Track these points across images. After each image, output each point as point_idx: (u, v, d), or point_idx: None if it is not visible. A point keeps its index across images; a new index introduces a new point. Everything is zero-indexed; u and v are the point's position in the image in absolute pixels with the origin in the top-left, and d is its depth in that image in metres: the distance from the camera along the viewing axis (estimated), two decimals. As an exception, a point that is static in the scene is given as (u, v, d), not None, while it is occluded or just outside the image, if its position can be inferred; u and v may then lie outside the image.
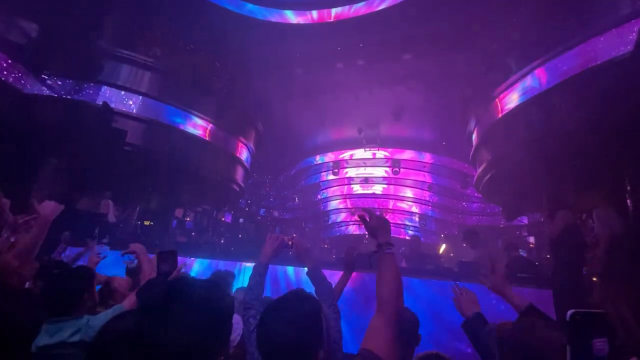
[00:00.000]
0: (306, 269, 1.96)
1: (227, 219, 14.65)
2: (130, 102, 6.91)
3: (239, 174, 9.63)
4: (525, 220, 12.06)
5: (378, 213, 1.55)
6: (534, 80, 6.10)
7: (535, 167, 5.99)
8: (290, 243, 2.05)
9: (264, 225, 11.53)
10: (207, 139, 8.34)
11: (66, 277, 1.76)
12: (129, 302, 1.70)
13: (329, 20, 8.57)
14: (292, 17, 8.57)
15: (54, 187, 6.01)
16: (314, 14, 8.40)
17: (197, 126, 8.19)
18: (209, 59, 8.78)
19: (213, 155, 8.57)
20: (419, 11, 7.53)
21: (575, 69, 5.29)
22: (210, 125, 8.49)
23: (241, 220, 14.89)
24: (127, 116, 6.75)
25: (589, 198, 5.72)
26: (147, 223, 9.82)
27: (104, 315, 1.63)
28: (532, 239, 11.80)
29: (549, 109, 5.66)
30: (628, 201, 4.21)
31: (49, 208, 1.78)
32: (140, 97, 7.03)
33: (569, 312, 0.95)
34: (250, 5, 8.39)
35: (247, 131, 9.96)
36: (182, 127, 7.80)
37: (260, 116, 10.27)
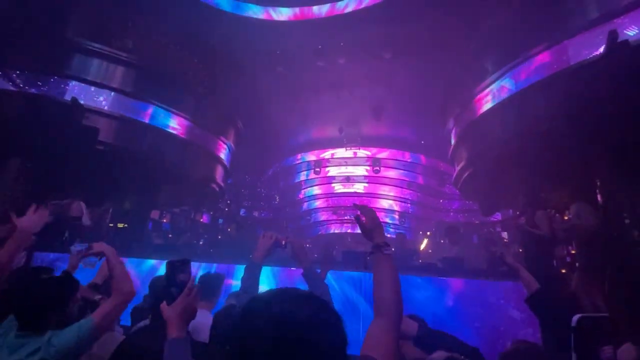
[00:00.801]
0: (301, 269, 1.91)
1: (205, 219, 14.26)
2: (101, 98, 6.54)
3: (219, 173, 9.38)
4: (498, 216, 12.57)
5: (370, 210, 1.47)
6: (509, 81, 6.33)
7: (511, 165, 6.24)
8: (284, 242, 1.99)
9: (245, 225, 11.31)
10: (185, 137, 8.06)
11: (33, 290, 1.60)
12: (99, 315, 1.56)
13: (310, 18, 8.51)
14: (272, 13, 8.43)
15: (18, 189, 5.57)
16: (295, 10, 8.31)
17: (175, 124, 7.89)
18: (186, 53, 8.47)
19: (191, 154, 8.30)
20: (398, 11, 7.63)
21: (548, 71, 5.54)
22: (188, 123, 8.20)
23: (220, 220, 14.54)
24: (99, 113, 6.38)
25: (560, 195, 6.03)
26: (120, 225, 9.36)
27: (68, 331, 1.49)
28: (505, 234, 12.33)
29: (523, 109, 5.89)
30: (598, 197, 4.45)
31: (30, 221, 1.63)
32: (112, 92, 6.66)
33: (576, 317, 0.93)
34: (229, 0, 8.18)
35: (227, 129, 9.73)
36: (158, 125, 7.48)
37: (240, 114, 10.05)
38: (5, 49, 5.94)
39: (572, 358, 0.92)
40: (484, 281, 4.10)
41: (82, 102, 6.00)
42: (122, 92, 6.78)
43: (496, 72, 6.51)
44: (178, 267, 1.34)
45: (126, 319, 2.94)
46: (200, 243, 10.62)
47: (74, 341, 1.47)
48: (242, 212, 16.05)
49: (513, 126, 6.03)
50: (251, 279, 1.78)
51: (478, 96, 6.97)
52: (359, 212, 1.38)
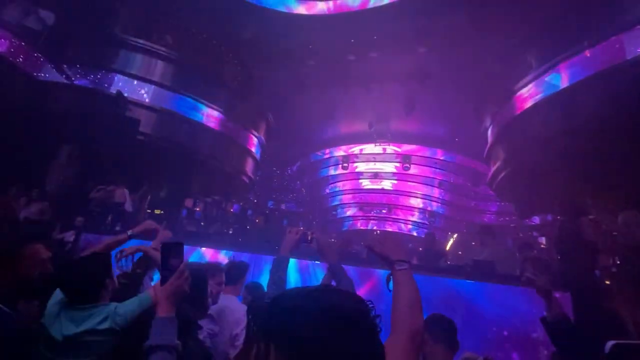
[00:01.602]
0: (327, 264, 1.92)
1: (235, 210, 14.73)
2: (143, 92, 6.92)
3: (249, 165, 9.63)
4: (536, 220, 11.86)
5: (379, 235, 1.44)
6: (555, 77, 5.90)
7: (552, 166, 5.84)
8: (310, 238, 2.01)
9: (272, 218, 11.56)
10: (218, 129, 8.34)
11: (87, 264, 1.74)
12: (154, 289, 1.64)
13: (342, 12, 8.41)
14: (304, 8, 8.43)
15: (67, 174, 6.07)
16: (328, 4, 8.24)
17: (209, 117, 8.19)
18: (221, 48, 8.72)
19: (223, 146, 8.58)
20: (434, 3, 7.33)
21: (598, 67, 5.10)
22: (222, 116, 8.48)
23: (249, 211, 14.96)
24: (140, 105, 6.77)
25: (605, 201, 5.57)
26: (157, 212, 9.91)
27: (130, 303, 1.61)
28: (543, 240, 11.62)
29: (570, 106, 5.47)
30: (651, 205, 4.05)
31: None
32: (153, 86, 7.03)
33: (609, 344, 0.85)
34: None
35: (258, 123, 9.94)
36: (193, 118, 7.79)
37: (271, 108, 10.21)
38: (62, 45, 6.46)
39: None
40: (516, 287, 3.91)
41: (125, 94, 6.40)
42: (162, 86, 7.12)
43: (541, 66, 6.09)
44: (171, 250, 1.38)
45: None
46: (230, 232, 11.02)
47: (137, 311, 1.58)
48: (269, 204, 16.42)
49: (557, 124, 5.62)
50: (279, 271, 1.82)
51: (519, 92, 6.57)
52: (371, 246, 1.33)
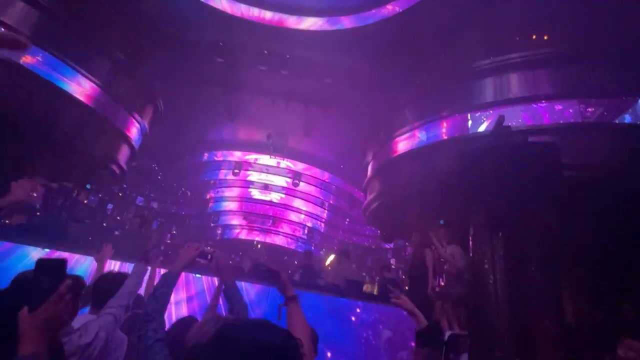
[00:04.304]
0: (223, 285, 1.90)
1: (91, 202, 12.21)
2: (-15, 32, 5.17)
3: (124, 153, 8.25)
4: (391, 245, 14.18)
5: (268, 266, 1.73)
6: (423, 133, 7.39)
7: (409, 204, 7.23)
8: (209, 256, 1.94)
9: (150, 221, 10.10)
10: (91, 104, 6.90)
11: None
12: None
13: (262, 22, 8.44)
14: (228, 5, 8.08)
15: None
16: (253, 10, 8.15)
17: (80, 86, 6.70)
18: (112, 10, 7.39)
19: (94, 126, 7.13)
20: (346, 43, 8.22)
21: (450, 133, 6.69)
22: (98, 89, 7.07)
23: (110, 206, 12.65)
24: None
25: (441, 234, 7.22)
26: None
27: None
28: (393, 261, 13.96)
29: (427, 160, 6.94)
30: (470, 243, 5.50)
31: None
32: (5, 30, 5.33)
33: (448, 333, 1.35)
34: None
35: (144, 107, 8.68)
36: (57, 83, 6.24)
37: (164, 94, 9.12)
38: None
39: None
40: (377, 305, 4.59)
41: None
42: (16, 32, 5.48)
43: (414, 122, 7.52)
44: (48, 267, 1.17)
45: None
46: (73, 228, 9.01)
47: None
48: (138, 200, 14.29)
49: (418, 172, 7.02)
50: (165, 287, 1.67)
51: (396, 139, 7.90)
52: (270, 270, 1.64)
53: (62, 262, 1.18)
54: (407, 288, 6.79)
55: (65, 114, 6.42)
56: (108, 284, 2.22)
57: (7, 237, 4.47)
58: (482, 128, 6.27)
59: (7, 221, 6.26)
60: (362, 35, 7.92)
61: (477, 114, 6.35)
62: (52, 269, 1.16)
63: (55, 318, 1.03)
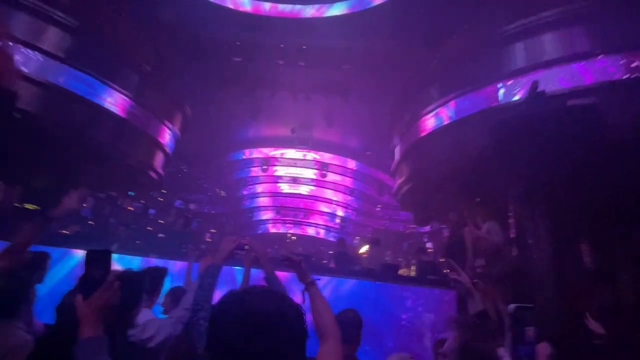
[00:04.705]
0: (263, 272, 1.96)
1: (135, 208, 13.07)
2: (28, 60, 5.64)
3: (159, 159, 8.72)
4: (426, 228, 13.86)
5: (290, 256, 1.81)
6: (449, 110, 7.09)
7: (444, 184, 6.99)
8: (246, 247, 2.03)
9: (192, 222, 10.65)
10: (125, 116, 7.34)
11: None
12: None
13: (274, 15, 8.44)
14: (233, 4, 8.16)
15: None
16: (264, 5, 8.17)
17: (113, 100, 7.14)
18: (137, 26, 7.74)
19: (129, 136, 7.59)
20: (361, 26, 8.01)
21: (481, 106, 6.35)
22: (130, 101, 7.49)
23: (152, 211, 13.47)
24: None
25: (477, 212, 6.93)
26: (30, 206, 8.08)
27: None
28: (430, 244, 13.65)
29: (458, 136, 6.65)
30: (510, 219, 5.24)
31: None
32: (41, 55, 5.78)
33: (512, 306, 1.30)
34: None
35: (173, 113, 9.10)
36: (92, 99, 6.68)
37: (190, 100, 9.49)
38: None
39: (507, 336, 1.31)
40: (412, 287, 4.54)
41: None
42: (54, 57, 5.93)
43: (440, 99, 7.22)
44: (96, 259, 1.26)
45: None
46: (122, 233, 9.71)
47: None
48: (177, 203, 15.07)
49: (449, 150, 6.76)
50: (210, 278, 1.78)
51: (422, 118, 7.65)
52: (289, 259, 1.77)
53: (108, 253, 1.28)
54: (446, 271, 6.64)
55: (102, 126, 6.86)
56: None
57: (66, 244, 4.94)
58: (515, 97, 5.89)
59: (64, 231, 6.89)
60: (377, 14, 7.67)
61: (508, 83, 5.97)
62: (99, 260, 1.26)
63: (107, 304, 1.14)
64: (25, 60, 5.60)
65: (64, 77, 6.09)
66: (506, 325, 1.40)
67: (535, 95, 5.04)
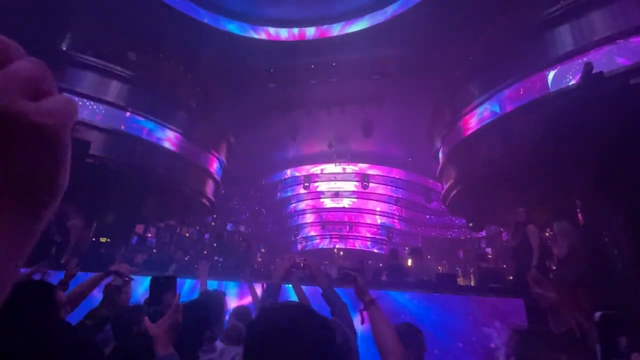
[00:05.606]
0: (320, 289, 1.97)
1: (191, 234, 13.98)
2: (95, 112, 6.47)
3: (210, 187, 9.31)
4: (483, 232, 12.93)
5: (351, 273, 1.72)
6: (494, 105, 6.70)
7: (496, 184, 6.53)
8: (302, 264, 2.06)
9: (253, 243, 11.13)
10: (176, 150, 8.01)
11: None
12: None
13: (303, 39, 8.78)
14: (264, 34, 8.65)
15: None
16: (293, 31, 8.56)
17: (166, 138, 7.86)
18: (180, 68, 8.54)
19: (182, 168, 8.24)
20: (388, 36, 8.00)
21: (530, 97, 5.92)
22: (179, 136, 8.18)
23: (207, 235, 14.29)
24: (90, 126, 6.29)
25: (545, 213, 6.33)
26: (103, 240, 9.05)
27: None
28: (489, 250, 12.65)
29: (507, 131, 6.23)
30: (579, 216, 4.73)
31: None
32: (105, 106, 6.60)
33: (598, 314, 1.16)
34: (225, 20, 8.36)
35: (219, 143, 9.74)
36: (149, 139, 7.43)
37: (233, 129, 10.11)
38: None
39: (597, 350, 1.15)
40: (475, 297, 4.22)
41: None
42: (115, 106, 6.73)
43: (482, 95, 6.87)
44: (163, 284, 1.36)
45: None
46: (186, 259, 10.39)
47: None
48: (229, 226, 15.84)
49: (498, 147, 6.35)
50: (271, 297, 1.83)
51: (464, 118, 7.31)
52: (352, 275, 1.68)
53: (173, 279, 1.39)
54: (511, 278, 6.09)
55: (157, 161, 7.54)
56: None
57: (135, 272, 5.42)
58: (569, 82, 5.41)
59: (135, 260, 7.59)
60: (404, 20, 7.63)
61: (558, 68, 5.52)
62: (164, 285, 1.37)
63: (176, 324, 1.25)
64: (91, 112, 6.41)
65: (123, 122, 6.85)
66: (593, 336, 1.24)
67: (591, 77, 4.60)
